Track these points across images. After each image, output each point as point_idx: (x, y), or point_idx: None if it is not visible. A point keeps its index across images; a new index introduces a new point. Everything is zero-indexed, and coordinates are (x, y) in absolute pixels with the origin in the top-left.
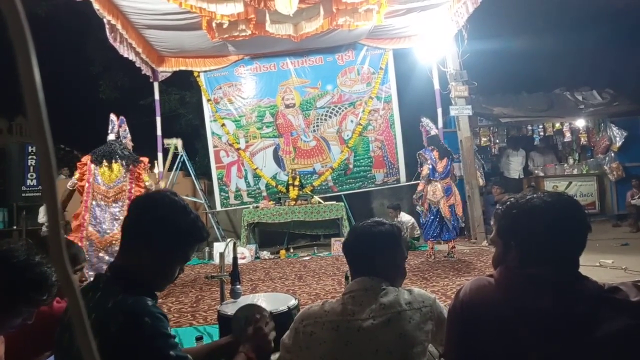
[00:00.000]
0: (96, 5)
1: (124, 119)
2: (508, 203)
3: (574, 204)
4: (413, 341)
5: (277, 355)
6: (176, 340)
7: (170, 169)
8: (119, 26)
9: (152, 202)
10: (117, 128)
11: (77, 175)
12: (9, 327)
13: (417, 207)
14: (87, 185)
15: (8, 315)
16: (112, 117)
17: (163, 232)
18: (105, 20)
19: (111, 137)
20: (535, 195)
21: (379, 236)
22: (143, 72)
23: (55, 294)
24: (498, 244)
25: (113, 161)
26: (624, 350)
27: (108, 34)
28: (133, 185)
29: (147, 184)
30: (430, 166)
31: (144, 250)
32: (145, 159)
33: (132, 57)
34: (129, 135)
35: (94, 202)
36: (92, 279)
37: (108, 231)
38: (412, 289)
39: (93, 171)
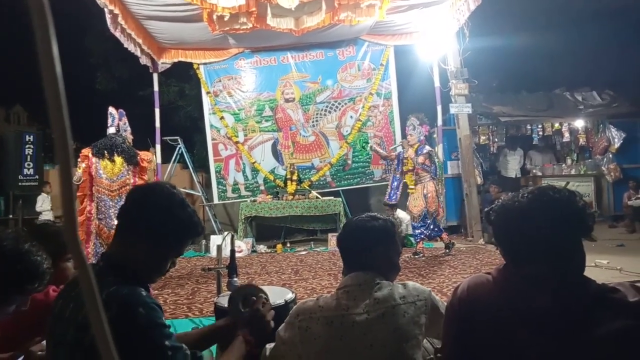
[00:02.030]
0: None
1: (124, 112)
2: (497, 206)
3: (561, 200)
4: (407, 335)
5: (272, 345)
6: (171, 330)
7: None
8: (119, 16)
9: (151, 194)
10: (117, 121)
11: (81, 169)
12: (3, 314)
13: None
14: (89, 178)
15: (0, 303)
16: (112, 110)
17: (160, 225)
18: (106, 10)
19: (111, 130)
20: (521, 194)
21: (373, 231)
22: (143, 63)
23: (47, 281)
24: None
25: (115, 154)
26: (621, 351)
27: (109, 23)
28: (136, 179)
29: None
30: (434, 165)
31: (139, 242)
32: (149, 153)
33: (132, 47)
34: (129, 129)
35: (98, 196)
36: None
37: (114, 226)
38: (407, 282)
39: (95, 164)
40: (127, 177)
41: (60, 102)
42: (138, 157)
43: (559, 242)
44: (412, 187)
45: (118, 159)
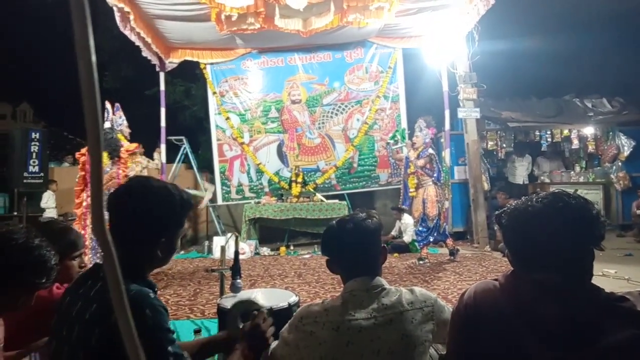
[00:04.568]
0: None
1: (119, 106)
2: (509, 209)
3: (576, 206)
4: (415, 342)
5: (274, 342)
6: (174, 335)
7: None
8: (129, 14)
9: (138, 192)
10: (112, 116)
11: (79, 166)
12: (9, 309)
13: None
14: (85, 174)
15: (7, 297)
16: (107, 105)
17: (162, 225)
18: (115, 8)
19: (106, 125)
20: (535, 199)
21: (376, 232)
22: (151, 62)
23: (54, 278)
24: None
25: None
26: None
27: (118, 22)
28: (120, 172)
29: (132, 167)
30: (437, 169)
31: (146, 243)
32: (132, 145)
33: (140, 45)
34: (125, 122)
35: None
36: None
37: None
38: (414, 288)
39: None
40: (113, 170)
41: (95, 93)
42: (120, 150)
43: (570, 249)
44: (412, 190)
45: (104, 154)
